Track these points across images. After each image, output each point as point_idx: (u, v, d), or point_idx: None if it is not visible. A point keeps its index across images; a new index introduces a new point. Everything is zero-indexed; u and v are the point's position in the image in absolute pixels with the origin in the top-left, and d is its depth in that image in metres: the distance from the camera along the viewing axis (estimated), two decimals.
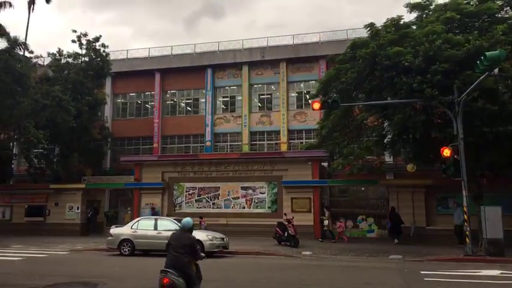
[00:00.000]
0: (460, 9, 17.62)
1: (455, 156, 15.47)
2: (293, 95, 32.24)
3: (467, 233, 15.20)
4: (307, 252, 16.38)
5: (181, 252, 6.64)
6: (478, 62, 11.97)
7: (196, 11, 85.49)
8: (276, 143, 31.37)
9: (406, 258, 14.87)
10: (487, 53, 11.36)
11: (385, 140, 19.73)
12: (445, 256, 15.14)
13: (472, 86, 14.27)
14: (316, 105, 16.67)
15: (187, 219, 7.02)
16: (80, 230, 24.59)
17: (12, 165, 30.73)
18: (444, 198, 20.73)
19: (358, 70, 18.23)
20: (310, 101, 23.97)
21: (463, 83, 15.43)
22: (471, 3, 18.82)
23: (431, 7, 19.84)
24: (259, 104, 32.75)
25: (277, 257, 15.80)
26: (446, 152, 15.44)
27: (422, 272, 11.44)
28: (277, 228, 19.07)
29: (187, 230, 6.88)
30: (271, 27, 65.96)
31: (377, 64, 17.26)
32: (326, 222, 20.57)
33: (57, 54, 29.31)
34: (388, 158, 26.84)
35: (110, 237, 16.48)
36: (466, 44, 15.72)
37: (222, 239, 15.91)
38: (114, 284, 9.78)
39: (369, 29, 19.68)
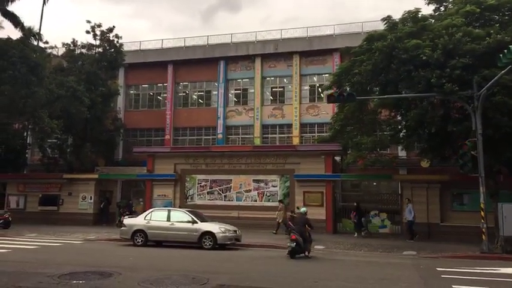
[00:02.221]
0: (480, 3, 17.16)
1: (473, 152, 15.22)
2: (306, 88, 32.02)
3: (483, 230, 14.96)
4: (320, 247, 16.27)
5: (300, 225, 13.63)
6: (500, 55, 11.66)
7: (213, 4, 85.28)
8: (288, 137, 31.22)
9: (421, 255, 14.71)
10: (510, 46, 11.04)
11: (400, 134, 19.41)
12: (461, 253, 14.93)
13: (494, 80, 13.96)
14: (331, 99, 16.48)
15: (304, 208, 15.03)
16: (92, 220, 24.79)
17: (26, 155, 31.02)
18: (459, 195, 20.41)
19: (374, 63, 17.90)
20: (323, 93, 23.71)
21: (482, 78, 15.11)
22: None
23: (450, 0, 19.44)
24: (272, 97, 32.59)
25: None
26: (464, 147, 15.17)
27: (438, 269, 11.28)
28: (290, 222, 18.92)
29: (304, 213, 14.25)
30: (287, 22, 65.65)
31: (394, 57, 16.92)
32: (276, 214, 20.70)
33: (72, 45, 29.40)
34: (401, 153, 26.59)
35: (123, 228, 16.55)
36: (486, 38, 15.34)
37: (235, 231, 15.88)
38: (129, 273, 9.78)
39: (385, 22, 19.35)
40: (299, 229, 13.32)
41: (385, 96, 17.33)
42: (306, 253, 13.49)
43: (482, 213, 15.02)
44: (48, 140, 28.32)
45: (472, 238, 17.74)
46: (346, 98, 16.44)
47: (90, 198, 25.26)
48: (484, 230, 14.93)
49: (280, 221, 20.71)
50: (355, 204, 21.08)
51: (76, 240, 17.65)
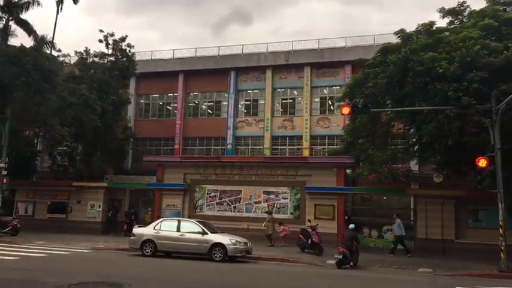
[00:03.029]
0: (497, 16, 17.03)
1: (490, 168, 14.88)
2: (316, 100, 31.81)
3: (502, 248, 14.54)
4: (332, 261, 15.85)
5: (347, 239, 14.87)
6: None
7: (225, 16, 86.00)
8: (298, 148, 30.96)
9: (437, 272, 14.28)
10: None
11: (415, 147, 19.10)
12: (478, 271, 14.47)
13: None
14: (346, 110, 16.30)
15: (352, 225, 16.01)
16: (100, 229, 24.60)
17: (36, 162, 31.05)
18: (475, 211, 19.96)
19: (388, 75, 17.74)
20: (336, 104, 23.50)
21: (501, 92, 14.84)
22: (507, 10, 18.24)
23: (465, 13, 19.28)
24: (282, 108, 32.42)
25: (301, 264, 15.38)
26: (482, 162, 14.83)
27: None
28: (301, 235, 18.64)
29: (352, 229, 15.58)
30: (299, 34, 65.86)
31: (409, 70, 16.74)
32: (264, 225, 20.40)
33: (84, 54, 29.58)
34: (413, 167, 26.17)
35: (132, 237, 16.33)
36: (504, 52, 15.12)
37: (246, 243, 15.58)
38: (139, 285, 9.55)
39: (399, 35, 19.25)
40: (346, 243, 14.70)
41: (401, 109, 17.10)
42: (351, 264, 14.54)
43: (501, 230, 14.60)
44: (59, 148, 28.35)
45: (488, 256, 17.22)
46: (360, 110, 16.21)
47: (99, 207, 25.12)
48: (502, 247, 14.50)
49: (270, 233, 20.35)
50: (346, 217, 20.46)
51: (84, 248, 17.44)
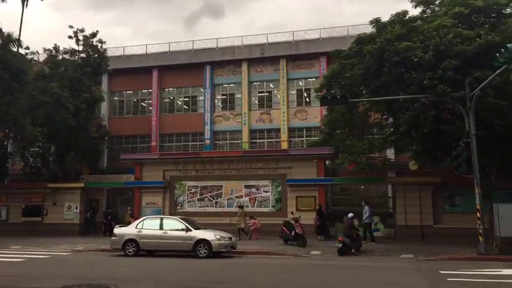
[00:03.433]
0: (467, 4, 17.33)
1: (466, 153, 15.24)
2: (293, 92, 31.86)
3: (480, 231, 14.96)
4: (316, 252, 16.05)
5: (347, 227, 15.87)
6: (497, 54, 11.67)
7: (196, 11, 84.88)
8: (277, 141, 30.98)
9: (419, 258, 14.60)
10: (508, 45, 11.06)
11: (393, 137, 19.39)
12: (458, 255, 14.86)
13: (487, 81, 14.04)
14: (325, 101, 16.33)
15: (351, 214, 16.64)
16: (78, 230, 24.01)
17: (7, 164, 29.99)
18: (451, 196, 20.49)
19: (365, 66, 17.91)
20: (314, 95, 23.54)
21: (474, 79, 15.19)
22: None
23: (437, 2, 19.59)
24: (259, 102, 32.33)
25: (286, 256, 15.46)
26: (458, 148, 15.18)
27: (442, 272, 11.14)
28: (284, 228, 18.69)
29: (350, 218, 16.32)
30: (271, 27, 65.47)
31: (385, 60, 16.94)
32: (236, 219, 20.52)
33: (53, 51, 28.62)
34: (389, 156, 26.61)
35: (113, 237, 16.00)
36: (477, 39, 15.46)
37: (230, 238, 15.51)
38: (127, 286, 9.35)
39: (374, 24, 19.40)
40: (345, 231, 15.84)
41: (378, 99, 17.30)
42: (353, 250, 15.59)
43: (479, 214, 15.03)
44: (31, 149, 27.42)
45: (465, 240, 17.65)
46: (339, 100, 16.31)
47: (76, 208, 24.50)
48: (480, 231, 14.93)
49: (242, 226, 20.37)
50: (317, 207, 20.71)
51: (64, 251, 16.98)
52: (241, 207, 21.28)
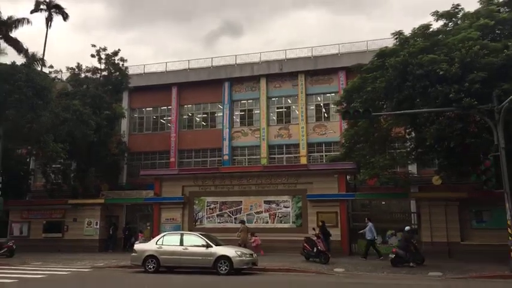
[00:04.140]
0: (492, 16, 17.06)
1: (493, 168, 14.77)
2: (312, 107, 31.76)
3: (511, 248, 14.32)
4: (340, 269, 15.59)
5: (403, 240, 16.65)
6: None
7: (215, 30, 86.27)
8: (296, 156, 30.77)
9: (447, 276, 14.02)
10: None
11: (418, 150, 18.96)
12: (489, 273, 14.24)
13: None
14: (347, 115, 16.09)
15: (407, 227, 17.44)
16: (98, 246, 23.98)
17: (29, 181, 30.41)
18: (479, 212, 19.82)
19: (387, 79, 17.64)
20: (335, 109, 23.24)
21: (502, 91, 14.79)
22: (500, 10, 18.28)
23: (459, 15, 19.31)
24: (278, 117, 32.27)
25: (309, 274, 15.02)
26: (487, 162, 14.71)
27: None
28: (305, 244, 18.29)
29: (407, 231, 17.04)
30: (289, 45, 66.46)
31: (408, 73, 16.66)
32: (237, 235, 19.94)
33: (76, 69, 29.23)
34: (412, 171, 26.03)
35: (134, 254, 15.84)
36: (505, 51, 15.10)
37: (251, 255, 15.19)
38: None
39: (396, 37, 19.20)
40: (401, 244, 16.69)
41: (403, 112, 16.96)
42: (412, 264, 16.05)
43: (510, 230, 14.41)
44: (52, 166, 27.75)
45: (494, 257, 17.05)
46: (362, 114, 16.05)
47: (96, 224, 24.51)
48: (511, 248, 14.29)
49: (244, 243, 19.71)
50: (320, 223, 20.24)
51: (84, 267, 16.89)
52: (242, 222, 20.98)
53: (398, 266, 15.99)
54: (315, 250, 17.60)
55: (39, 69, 26.43)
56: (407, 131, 20.14)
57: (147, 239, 19.12)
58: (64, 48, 71.23)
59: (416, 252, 16.70)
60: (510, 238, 14.43)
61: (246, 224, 20.97)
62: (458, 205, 19.79)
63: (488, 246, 18.38)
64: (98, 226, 24.47)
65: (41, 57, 28.11)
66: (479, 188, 18.71)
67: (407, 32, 18.91)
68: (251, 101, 33.01)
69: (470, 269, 15.08)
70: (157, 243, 15.69)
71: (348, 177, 23.56)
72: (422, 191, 22.78)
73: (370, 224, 19.42)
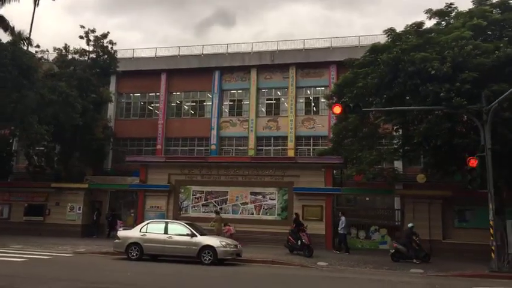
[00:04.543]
0: (486, 17, 17.11)
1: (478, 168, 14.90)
2: (301, 100, 31.65)
3: (493, 248, 14.55)
4: (323, 263, 15.64)
5: (405, 236, 17.17)
6: None
7: (208, 18, 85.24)
8: (283, 149, 30.71)
9: (429, 273, 14.17)
10: None
11: (404, 148, 19.05)
12: (469, 272, 14.46)
13: (506, 94, 13.73)
14: (337, 109, 16.04)
15: (410, 224, 17.72)
16: (80, 232, 23.65)
17: (12, 162, 29.79)
18: (461, 211, 20.06)
19: (379, 75, 17.62)
20: (326, 103, 23.15)
21: (491, 92, 14.89)
22: (493, 12, 18.36)
23: (452, 14, 19.34)
24: (267, 109, 32.11)
25: (292, 267, 15.05)
26: (473, 162, 14.84)
27: None
28: (290, 237, 18.32)
29: (410, 228, 17.32)
30: (281, 38, 66.06)
31: (400, 70, 16.66)
32: (211, 224, 19.98)
33: (63, 50, 28.53)
34: (397, 168, 26.19)
35: (117, 240, 15.67)
36: (496, 52, 15.18)
37: (236, 246, 15.14)
38: None
39: (388, 34, 19.16)
40: (402, 240, 17.18)
41: (393, 109, 16.98)
42: (415, 261, 16.40)
43: (492, 230, 14.62)
44: (36, 148, 27.19)
45: (475, 256, 17.38)
46: (353, 109, 16.01)
47: (79, 209, 24.15)
48: (493, 248, 14.52)
49: (217, 233, 19.62)
50: (294, 216, 20.23)
51: (65, 252, 16.66)
52: (217, 212, 20.94)
53: (400, 261, 16.42)
54: (299, 243, 17.65)
55: (25, 48, 25.73)
56: (395, 128, 20.21)
57: (130, 226, 18.92)
58: (52, 30, 69.75)
59: (420, 249, 16.95)
60: (492, 238, 14.65)
61: (221, 215, 20.92)
62: (441, 203, 20.00)
63: (469, 246, 18.62)
64: (80, 211, 24.12)
65: (28, 36, 27.36)
66: (463, 187, 18.91)
67: (399, 29, 18.92)
68: (241, 91, 32.77)
69: (450, 267, 15.31)
70: (141, 230, 15.54)
71: (334, 171, 23.63)
72: (407, 188, 23.01)
73: (343, 218, 19.58)
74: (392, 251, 17.06)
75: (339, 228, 19.64)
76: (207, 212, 22.69)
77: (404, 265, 15.78)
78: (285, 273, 13.11)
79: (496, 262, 14.47)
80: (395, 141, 20.69)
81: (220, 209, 22.24)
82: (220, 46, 33.30)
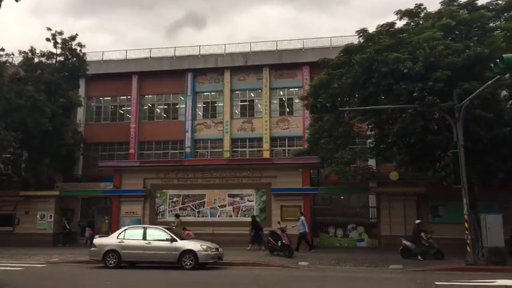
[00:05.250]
0: (454, 16, 17.61)
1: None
2: (275, 101, 31.72)
3: (468, 242, 14.95)
4: (304, 263, 15.68)
5: (413, 233, 17.37)
6: (492, 65, 11.70)
7: (178, 20, 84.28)
8: (259, 150, 30.68)
9: (408, 269, 14.42)
10: (504, 56, 11.10)
11: (380, 146, 19.36)
12: (447, 266, 14.81)
13: (477, 92, 14.17)
14: (314, 109, 16.13)
15: (418, 221, 18.08)
16: (52, 241, 22.87)
17: None
18: (435, 207, 20.59)
19: (354, 76, 17.87)
20: (302, 104, 23.27)
21: (463, 90, 15.32)
22: (460, 12, 18.93)
23: (421, 15, 19.83)
24: (241, 110, 32.02)
25: (274, 268, 15.00)
26: (447, 159, 15.22)
27: (437, 283, 10.93)
28: (270, 238, 18.28)
29: (417, 224, 17.66)
30: (252, 39, 65.84)
31: (374, 70, 16.93)
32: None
33: (29, 53, 27.48)
34: (371, 165, 26.62)
35: (93, 248, 15.19)
36: (466, 51, 15.63)
37: (217, 249, 14.94)
38: None
39: (361, 34, 19.45)
40: (410, 237, 17.47)
41: (368, 108, 17.22)
42: (419, 257, 16.45)
43: (467, 224, 15.01)
44: (2, 155, 26.07)
45: (450, 250, 17.70)
46: (329, 109, 16.12)
47: (50, 217, 23.37)
48: (468, 241, 14.92)
49: None
50: (251, 218, 20.59)
51: (38, 263, 16.04)
52: (177, 216, 20.81)
53: (410, 258, 16.55)
54: (279, 244, 17.62)
55: None
56: (370, 127, 20.53)
57: (104, 234, 18.41)
58: (17, 34, 67.34)
59: (430, 246, 16.95)
60: (467, 232, 15.05)
61: (180, 218, 20.79)
62: (416, 200, 20.47)
63: (443, 240, 19.00)
64: (51, 219, 23.34)
65: None
66: (436, 184, 19.42)
67: (370, 30, 19.24)
68: (214, 93, 32.56)
69: (428, 262, 15.62)
70: (119, 237, 15.12)
71: (311, 171, 23.80)
72: (381, 186, 23.38)
73: (302, 217, 19.62)
74: (400, 248, 17.20)
75: (299, 228, 19.50)
76: (184, 216, 22.35)
77: (382, 260, 15.99)
78: (267, 275, 13.05)
79: (472, 255, 14.86)
80: (370, 140, 21.00)
81: (198, 212, 22.02)
82: (193, 48, 32.98)
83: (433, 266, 14.75)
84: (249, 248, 19.64)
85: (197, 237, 17.91)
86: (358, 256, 17.58)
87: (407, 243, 17.14)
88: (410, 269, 14.39)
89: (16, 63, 28.02)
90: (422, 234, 17.23)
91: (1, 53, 25.84)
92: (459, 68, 15.66)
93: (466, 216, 15.11)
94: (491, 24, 18.27)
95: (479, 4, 18.42)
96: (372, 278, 12.48)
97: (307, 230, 19.57)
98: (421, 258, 16.46)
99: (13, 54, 26.82)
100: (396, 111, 17.43)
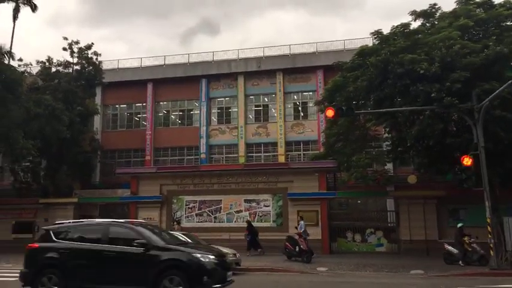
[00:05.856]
0: (471, 16, 17.35)
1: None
2: (290, 105, 31.62)
3: (491, 246, 14.59)
4: (323, 268, 15.49)
5: (455, 238, 16.62)
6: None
7: (192, 28, 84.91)
8: (274, 155, 30.58)
9: (430, 274, 14.13)
10: None
11: (398, 149, 19.11)
12: (470, 270, 14.48)
13: (497, 92, 13.88)
14: (330, 113, 16.00)
15: (460, 224, 17.00)
16: None
17: None
18: (455, 210, 20.18)
19: (369, 78, 17.69)
20: (318, 108, 23.09)
21: (482, 90, 15.04)
22: (477, 11, 18.63)
23: (436, 15, 19.58)
24: (256, 115, 32.01)
25: (292, 273, 14.85)
26: (467, 161, 14.91)
27: None
28: (287, 243, 18.13)
29: (459, 228, 16.80)
30: (266, 44, 66.01)
31: (389, 72, 16.75)
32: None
33: (47, 63, 27.99)
34: (389, 169, 26.29)
35: None
36: (485, 50, 15.35)
37: (234, 254, 14.94)
38: None
39: (375, 36, 19.30)
40: (454, 242, 16.73)
41: (385, 110, 17.01)
42: (461, 263, 15.85)
43: (490, 228, 14.66)
44: (23, 164, 26.53)
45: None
46: (346, 112, 16.00)
47: None
48: (491, 245, 14.56)
49: None
50: (246, 222, 20.39)
51: None
52: (178, 222, 20.77)
53: (454, 264, 15.92)
54: (297, 249, 17.47)
55: (7, 62, 25.16)
56: (387, 130, 20.29)
57: None
58: (34, 44, 68.71)
59: (473, 251, 16.06)
60: (490, 236, 14.69)
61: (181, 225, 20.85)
62: (436, 203, 20.11)
63: None
64: None
65: (9, 50, 26.80)
66: (455, 187, 19.07)
67: (385, 32, 19.05)
68: (228, 98, 32.62)
69: (451, 267, 15.30)
70: None
71: (327, 175, 23.59)
72: (399, 189, 23.03)
73: (302, 222, 19.25)
74: (443, 252, 16.81)
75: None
76: (201, 221, 22.39)
77: (403, 265, 15.72)
78: (286, 280, 12.93)
79: (496, 259, 14.50)
80: (387, 143, 20.76)
81: (215, 217, 21.99)
82: (206, 54, 33.11)
83: (455, 271, 14.43)
84: (248, 254, 19.25)
85: (213, 243, 17.82)
86: (377, 261, 17.30)
87: (450, 248, 16.64)
88: (432, 274, 14.10)
89: (34, 72, 28.60)
90: (465, 238, 16.39)
91: (20, 63, 26.44)
92: (477, 68, 15.39)
93: (488, 220, 14.76)
94: (508, 23, 17.94)
95: (496, 2, 18.10)
96: (393, 283, 12.27)
97: (307, 235, 19.01)
98: (462, 264, 15.78)
99: (31, 64, 27.41)
100: (413, 113, 17.16)
